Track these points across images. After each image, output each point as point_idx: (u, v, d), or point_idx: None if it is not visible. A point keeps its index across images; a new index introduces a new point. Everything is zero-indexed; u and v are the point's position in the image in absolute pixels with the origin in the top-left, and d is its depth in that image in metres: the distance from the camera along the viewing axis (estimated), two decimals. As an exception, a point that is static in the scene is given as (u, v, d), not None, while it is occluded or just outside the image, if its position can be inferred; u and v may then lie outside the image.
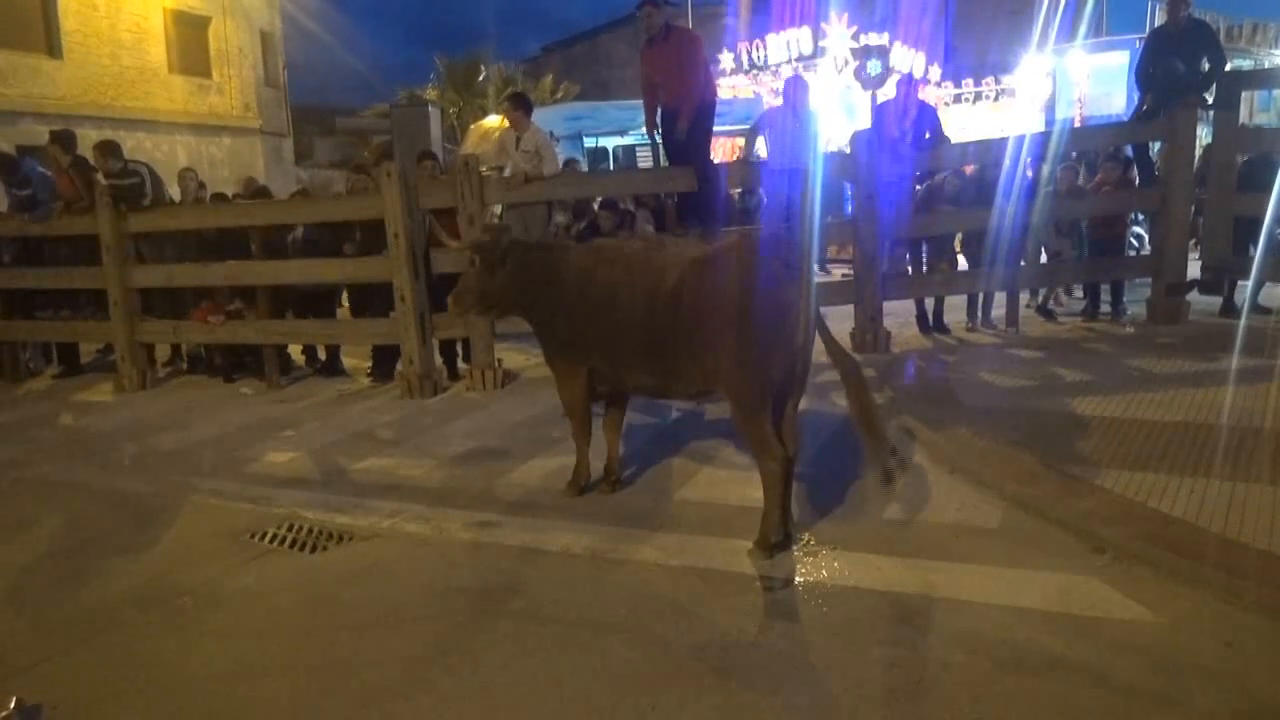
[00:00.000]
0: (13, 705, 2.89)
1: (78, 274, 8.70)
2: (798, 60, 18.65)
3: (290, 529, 4.55)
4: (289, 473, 5.58)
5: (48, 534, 4.70)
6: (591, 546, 4.09)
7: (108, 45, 17.96)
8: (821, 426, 5.58)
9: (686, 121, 7.01)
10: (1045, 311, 8.89)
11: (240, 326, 8.17)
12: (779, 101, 18.74)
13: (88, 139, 9.05)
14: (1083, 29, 20.10)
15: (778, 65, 19.08)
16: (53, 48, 17.02)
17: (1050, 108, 18.75)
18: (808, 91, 7.87)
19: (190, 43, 20.12)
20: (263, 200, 9.33)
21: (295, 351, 8.85)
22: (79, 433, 6.96)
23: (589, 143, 17.83)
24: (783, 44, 19.14)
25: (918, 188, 8.22)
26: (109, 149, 8.37)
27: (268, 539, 4.45)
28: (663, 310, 4.07)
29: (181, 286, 8.48)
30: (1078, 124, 16.42)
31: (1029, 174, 7.97)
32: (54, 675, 3.23)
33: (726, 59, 20.32)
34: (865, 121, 14.29)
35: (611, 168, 17.18)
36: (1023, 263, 8.04)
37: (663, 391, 4.52)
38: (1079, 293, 9.40)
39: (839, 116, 16.99)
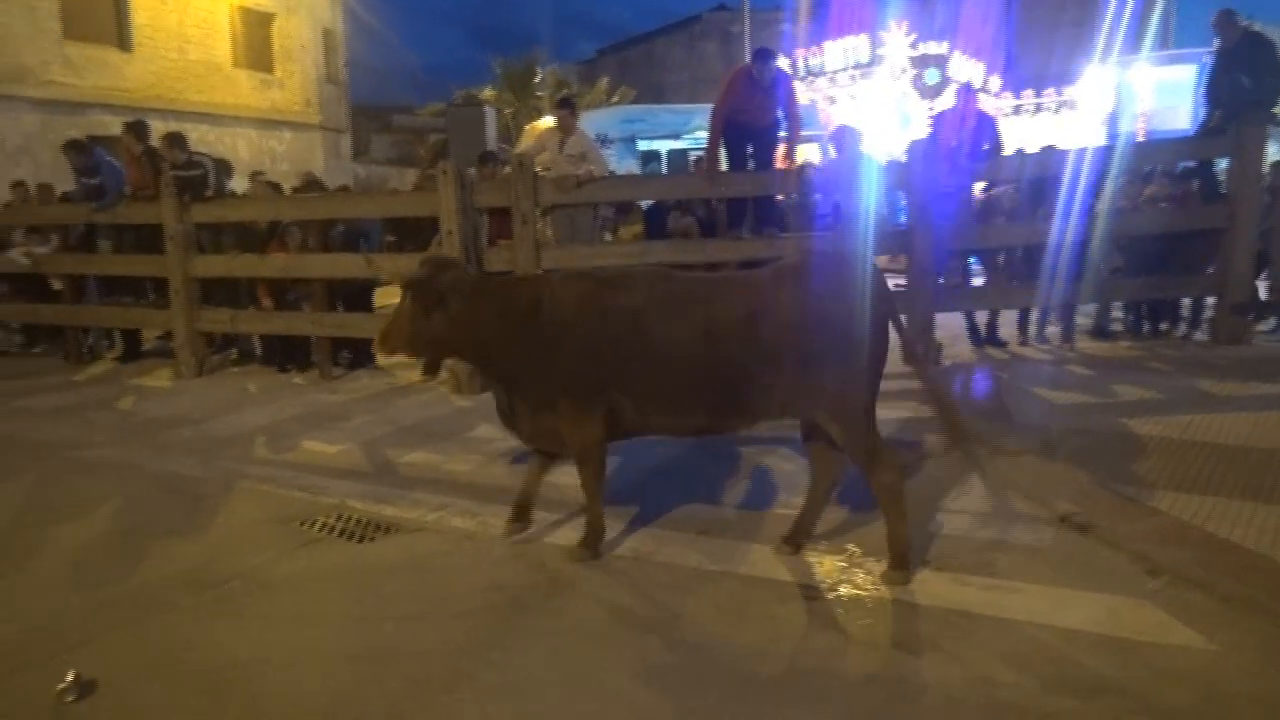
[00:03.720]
0: (70, 679, 2.99)
1: (141, 262, 8.93)
2: (855, 68, 18.51)
3: (338, 518, 4.62)
4: (339, 463, 5.67)
5: (105, 514, 4.83)
6: (635, 548, 4.10)
7: (175, 39, 18.41)
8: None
9: (794, 162, 7.60)
10: (1102, 330, 8.71)
11: (294, 317, 8.33)
12: (834, 110, 18.59)
13: (154, 131, 9.31)
14: (1149, 41, 19.67)
15: (834, 72, 18.95)
16: (123, 41, 17.49)
17: (1112, 121, 18.37)
18: (858, 140, 7.71)
19: (255, 38, 20.56)
20: (319, 194, 9.50)
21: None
22: (137, 417, 7.12)
23: (642, 146, 17.88)
24: (840, 51, 19.00)
25: (976, 199, 8.11)
26: (175, 140, 8.58)
27: (316, 527, 4.52)
28: (733, 335, 3.71)
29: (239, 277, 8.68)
30: (1141, 139, 16.07)
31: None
32: (109, 652, 3.31)
33: (783, 65, 20.20)
34: (921, 131, 14.15)
35: (664, 171, 17.22)
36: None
37: (710, 430, 4.14)
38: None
39: (894, 126, 16.84)
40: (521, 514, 4.26)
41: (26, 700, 3.00)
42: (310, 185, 10.16)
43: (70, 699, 2.95)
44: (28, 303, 9.81)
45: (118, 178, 8.87)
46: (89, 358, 9.60)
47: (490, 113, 16.92)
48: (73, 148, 9.20)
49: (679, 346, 3.75)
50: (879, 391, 3.81)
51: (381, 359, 8.60)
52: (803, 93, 19.50)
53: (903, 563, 3.69)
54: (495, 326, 3.93)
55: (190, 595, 3.78)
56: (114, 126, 9.98)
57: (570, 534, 4.27)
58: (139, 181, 8.73)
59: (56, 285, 9.75)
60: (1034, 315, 8.51)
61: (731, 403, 3.84)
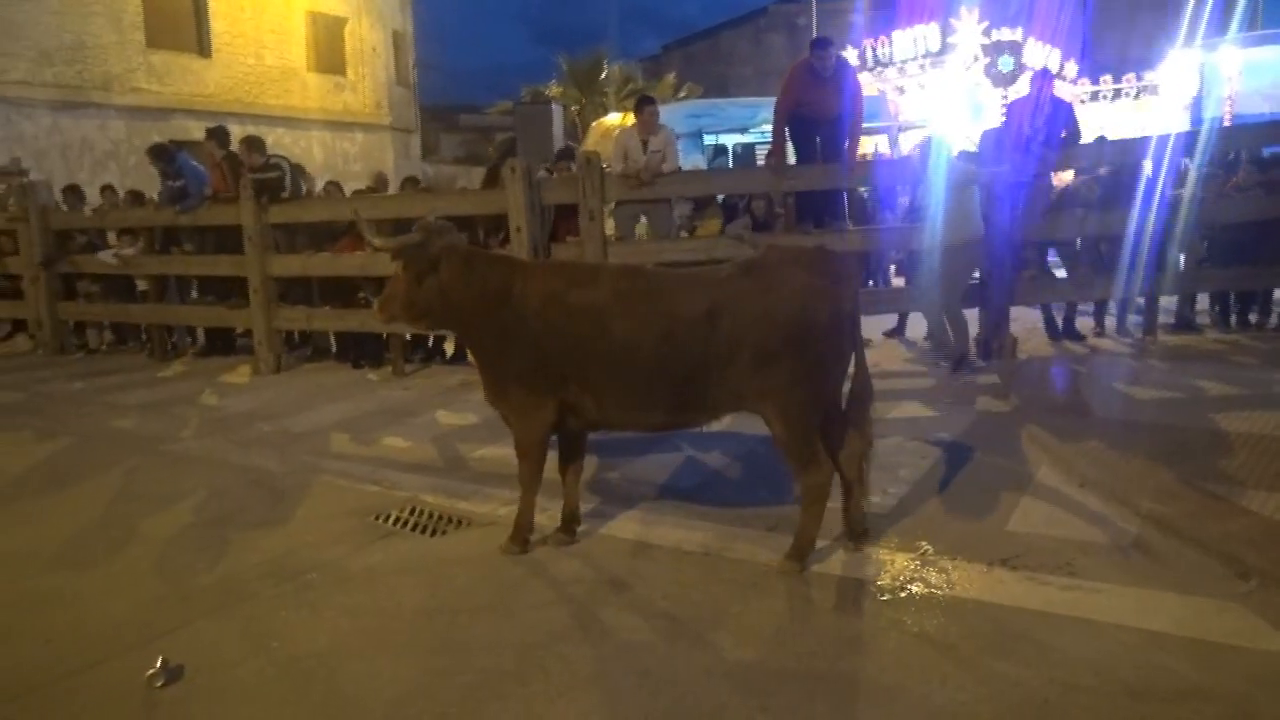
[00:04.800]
0: (159, 664, 3.10)
1: (221, 262, 9.20)
2: (925, 57, 18.17)
3: (412, 512, 4.70)
4: (412, 457, 5.77)
5: (190, 507, 4.99)
6: (705, 543, 4.08)
7: (252, 45, 18.96)
8: (943, 435, 5.45)
9: (854, 157, 7.48)
10: (1185, 322, 8.41)
11: (367, 315, 8.48)
12: (903, 101, 18.29)
13: (233, 135, 9.60)
14: (1235, 22, 18.89)
15: (904, 62, 18.63)
16: (203, 47, 18.08)
17: (1197, 106, 17.70)
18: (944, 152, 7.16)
19: (327, 43, 21.04)
20: (394, 194, 9.69)
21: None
22: (219, 412, 7.35)
23: (709, 140, 17.82)
24: (909, 40, 18.67)
25: (1054, 189, 7.89)
26: (254, 144, 8.84)
27: (391, 521, 4.61)
28: (694, 334, 3.70)
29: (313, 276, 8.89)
30: (1227, 123, 15.46)
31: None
32: (195, 640, 3.42)
33: (851, 56, 19.93)
34: (993, 121, 13.83)
35: (730, 165, 17.13)
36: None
37: (671, 426, 4.14)
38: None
39: (965, 115, 16.50)
40: (568, 526, 4.23)
41: (118, 685, 3.12)
42: (406, 183, 10.33)
43: (159, 684, 3.06)
44: (117, 302, 10.20)
45: (200, 180, 9.15)
46: (173, 355, 9.94)
47: (557, 110, 17.01)
48: (156, 152, 9.52)
49: (642, 343, 3.77)
50: (839, 389, 3.87)
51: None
52: (871, 83, 19.27)
53: (801, 556, 3.77)
54: (476, 304, 3.96)
55: (271, 586, 3.89)
56: (196, 131, 10.34)
57: (639, 529, 4.28)
58: (220, 185, 9.01)
59: (141, 285, 10.13)
60: (1112, 307, 8.26)
61: (691, 398, 3.86)
